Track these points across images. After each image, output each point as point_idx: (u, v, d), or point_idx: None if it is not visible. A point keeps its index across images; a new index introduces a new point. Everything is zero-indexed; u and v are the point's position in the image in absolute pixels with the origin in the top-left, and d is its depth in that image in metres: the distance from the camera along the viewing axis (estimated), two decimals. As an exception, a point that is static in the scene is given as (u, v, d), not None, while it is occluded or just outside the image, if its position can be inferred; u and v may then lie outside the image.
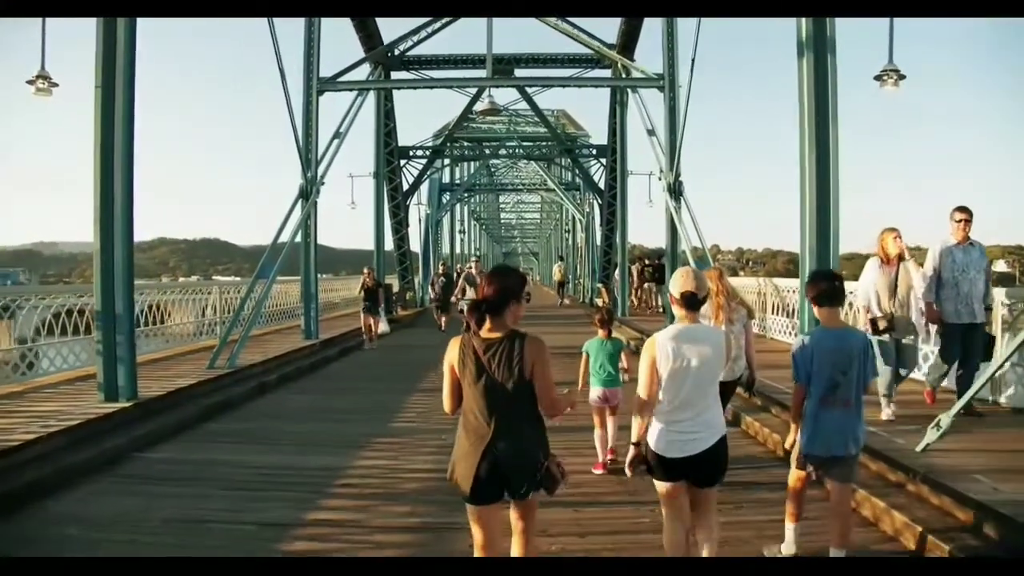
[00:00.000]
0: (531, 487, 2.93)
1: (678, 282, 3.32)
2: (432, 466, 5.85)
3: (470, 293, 13.33)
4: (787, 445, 3.89)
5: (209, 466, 5.83)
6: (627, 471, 3.39)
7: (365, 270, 14.86)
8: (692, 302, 3.28)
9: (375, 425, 7.33)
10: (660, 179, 13.74)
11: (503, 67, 19.32)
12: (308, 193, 13.60)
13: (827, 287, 3.65)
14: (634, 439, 3.32)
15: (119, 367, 7.19)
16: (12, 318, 8.73)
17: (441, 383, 3.08)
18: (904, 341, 6.21)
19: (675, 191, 13.31)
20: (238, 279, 19.58)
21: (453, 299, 15.12)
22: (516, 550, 3.07)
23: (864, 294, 6.32)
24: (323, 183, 14.00)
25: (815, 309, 3.75)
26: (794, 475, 3.79)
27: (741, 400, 7.87)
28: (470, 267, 13.82)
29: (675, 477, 3.27)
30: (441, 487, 5.29)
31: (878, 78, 8.08)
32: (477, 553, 3.06)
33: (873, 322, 6.12)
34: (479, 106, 21.41)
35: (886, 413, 6.09)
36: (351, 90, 14.84)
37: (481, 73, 17.91)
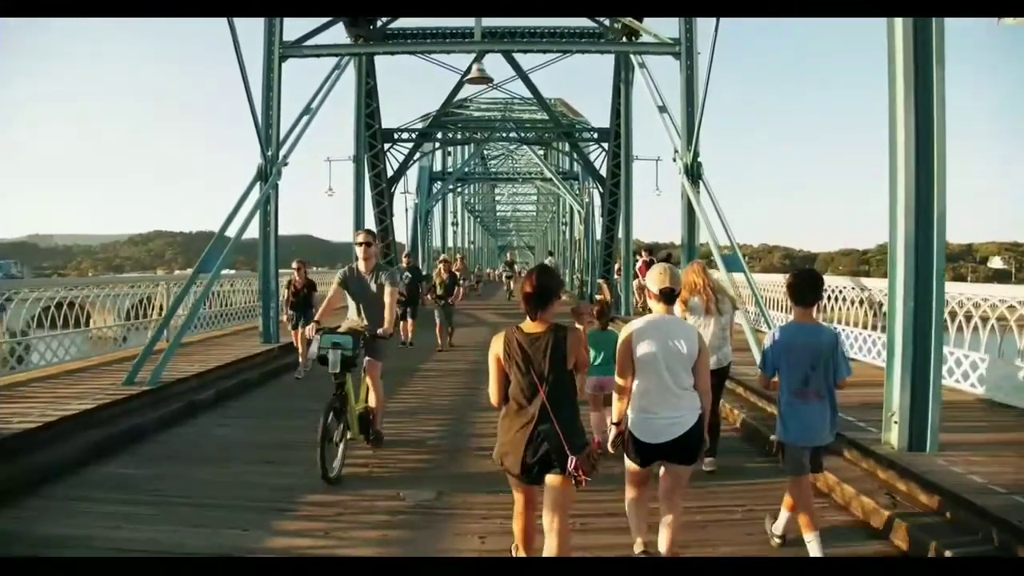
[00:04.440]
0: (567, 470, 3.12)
1: (656, 279, 3.54)
2: (376, 551, 4.00)
3: (354, 318, 6.06)
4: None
5: (49, 547, 3.97)
6: (609, 448, 3.66)
7: (294, 264, 10.62)
8: (670, 297, 3.55)
9: (313, 471, 5.43)
10: (675, 160, 11.73)
11: (496, 41, 17.40)
12: (267, 175, 11.70)
13: (806, 287, 3.83)
14: (615, 419, 3.59)
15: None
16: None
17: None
18: None
19: (693, 173, 11.40)
20: (232, 271, 17.47)
21: (345, 326, 5.94)
22: (551, 523, 3.21)
23: None
24: (286, 163, 12.13)
25: (793, 307, 3.91)
26: (794, 482, 3.81)
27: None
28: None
29: (648, 461, 3.55)
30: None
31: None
32: (516, 517, 3.43)
33: None
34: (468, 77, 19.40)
35: None
36: (319, 56, 12.84)
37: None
